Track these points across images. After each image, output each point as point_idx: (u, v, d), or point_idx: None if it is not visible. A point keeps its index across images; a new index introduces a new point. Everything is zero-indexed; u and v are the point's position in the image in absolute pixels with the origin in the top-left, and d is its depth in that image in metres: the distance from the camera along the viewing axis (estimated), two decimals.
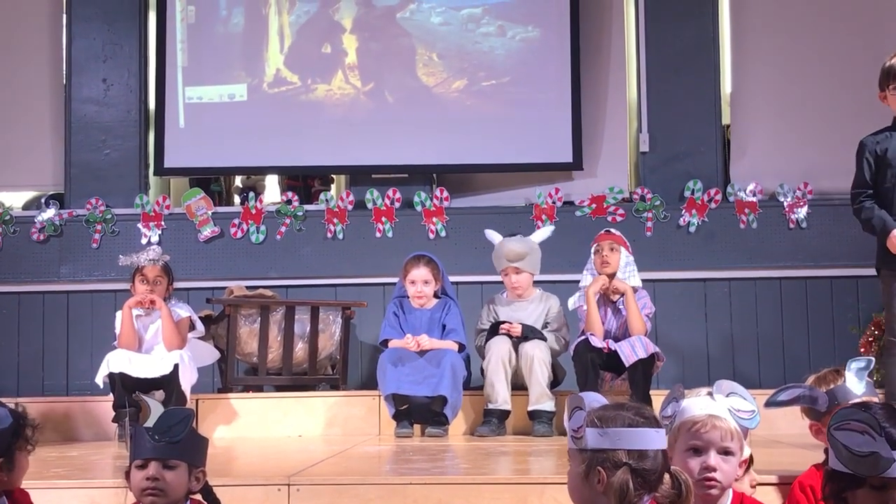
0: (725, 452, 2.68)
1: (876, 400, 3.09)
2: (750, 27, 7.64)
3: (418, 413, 5.84)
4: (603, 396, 2.48)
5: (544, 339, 5.92)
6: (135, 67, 7.74)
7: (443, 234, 7.37)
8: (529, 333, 5.89)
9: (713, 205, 7.34)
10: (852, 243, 6.94)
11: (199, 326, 6.12)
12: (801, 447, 4.58)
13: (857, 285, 7.13)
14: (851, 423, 2.23)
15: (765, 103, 7.56)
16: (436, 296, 6.13)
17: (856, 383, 3.07)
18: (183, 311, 5.96)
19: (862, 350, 6.25)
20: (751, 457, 2.96)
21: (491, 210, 7.19)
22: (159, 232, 7.43)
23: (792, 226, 7.31)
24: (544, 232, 6.21)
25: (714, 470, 2.66)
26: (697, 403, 2.74)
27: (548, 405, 5.78)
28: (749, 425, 2.73)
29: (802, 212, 7.30)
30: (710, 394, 2.77)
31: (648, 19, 7.61)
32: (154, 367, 5.68)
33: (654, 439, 2.38)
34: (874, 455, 2.20)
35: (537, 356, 5.80)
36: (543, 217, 7.32)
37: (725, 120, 7.67)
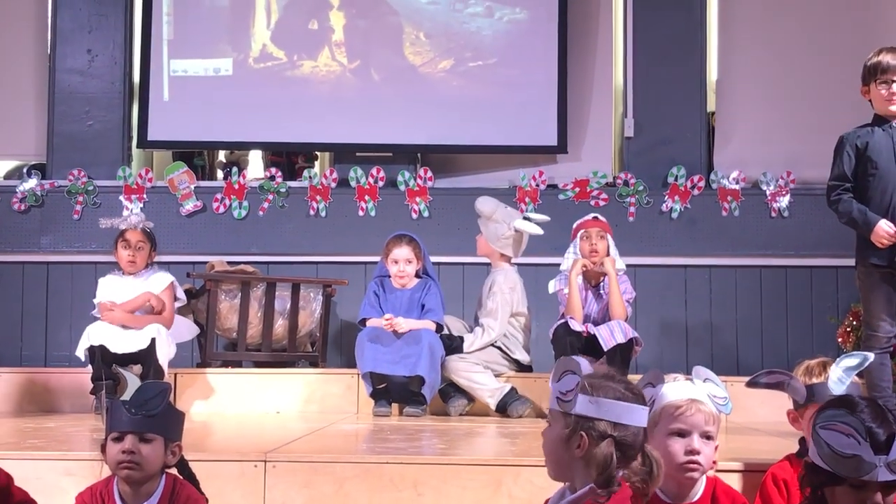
0: (707, 437, 2.71)
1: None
2: (737, 16, 7.64)
3: (396, 392, 5.85)
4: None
5: (458, 345, 5.97)
6: (120, 39, 7.69)
7: (426, 214, 7.37)
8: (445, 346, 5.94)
9: (696, 191, 7.36)
10: (833, 233, 6.95)
11: (181, 295, 6.11)
12: (777, 435, 4.61)
13: (836, 275, 7.16)
14: (838, 425, 2.23)
15: (750, 92, 7.57)
16: (417, 275, 6.12)
17: (837, 385, 3.08)
18: (166, 277, 5.95)
19: (840, 340, 6.28)
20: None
21: (474, 191, 7.16)
22: (141, 205, 7.40)
23: (774, 214, 7.33)
24: (532, 224, 6.18)
25: (698, 453, 2.68)
26: (679, 388, 2.76)
27: (505, 392, 5.82)
28: (725, 411, 2.76)
29: (785, 201, 7.32)
30: (690, 379, 2.79)
31: (636, 5, 7.61)
32: (131, 341, 5.67)
33: (640, 416, 2.41)
34: (857, 458, 2.20)
35: (455, 371, 5.87)
36: (527, 199, 7.32)
37: (710, 107, 7.68)
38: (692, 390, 2.75)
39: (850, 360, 3.14)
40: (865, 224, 4.60)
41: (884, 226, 4.54)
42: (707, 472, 2.82)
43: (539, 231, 6.08)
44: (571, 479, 2.42)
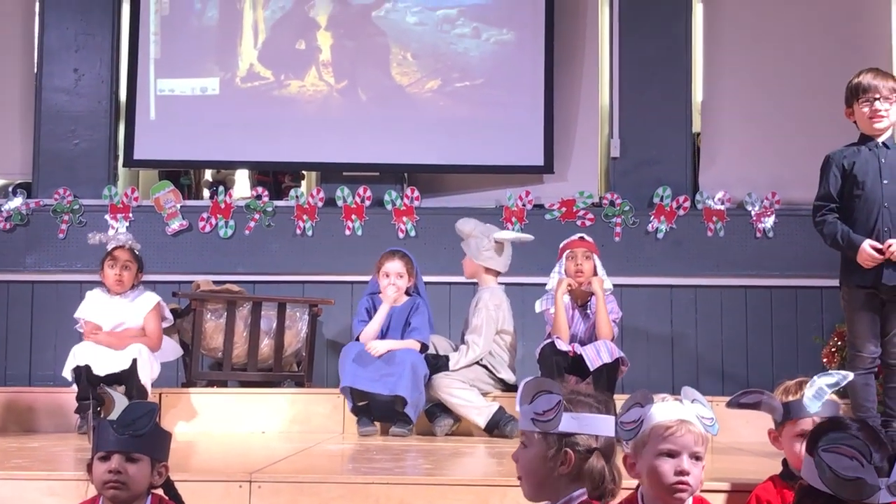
0: (696, 457, 2.70)
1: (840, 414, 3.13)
2: (722, 38, 7.69)
3: (379, 410, 5.84)
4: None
5: (444, 363, 5.96)
6: (107, 58, 7.69)
7: (412, 233, 7.37)
8: (429, 365, 5.93)
9: (681, 212, 7.38)
10: (818, 254, 6.95)
11: (168, 315, 6.12)
12: (761, 455, 4.61)
13: (821, 296, 7.19)
14: (841, 447, 2.22)
15: (735, 113, 7.61)
16: (408, 293, 6.13)
17: (812, 402, 3.08)
18: (153, 298, 5.96)
19: (825, 360, 6.30)
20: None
21: (461, 211, 7.17)
22: (127, 224, 7.38)
23: (759, 235, 7.36)
24: (511, 232, 6.24)
25: (688, 474, 2.68)
26: (668, 408, 2.75)
27: (494, 410, 5.80)
28: (712, 432, 2.76)
29: (769, 221, 7.35)
30: (679, 400, 2.79)
31: (622, 26, 7.65)
32: (114, 362, 5.66)
33: (611, 427, 2.49)
34: (860, 480, 2.20)
35: (442, 389, 5.86)
36: (513, 219, 7.33)
37: (696, 128, 7.71)
38: (681, 411, 2.74)
39: (828, 378, 3.15)
40: (850, 246, 4.61)
41: (868, 247, 4.56)
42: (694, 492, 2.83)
43: (516, 236, 6.12)
44: (554, 497, 2.43)
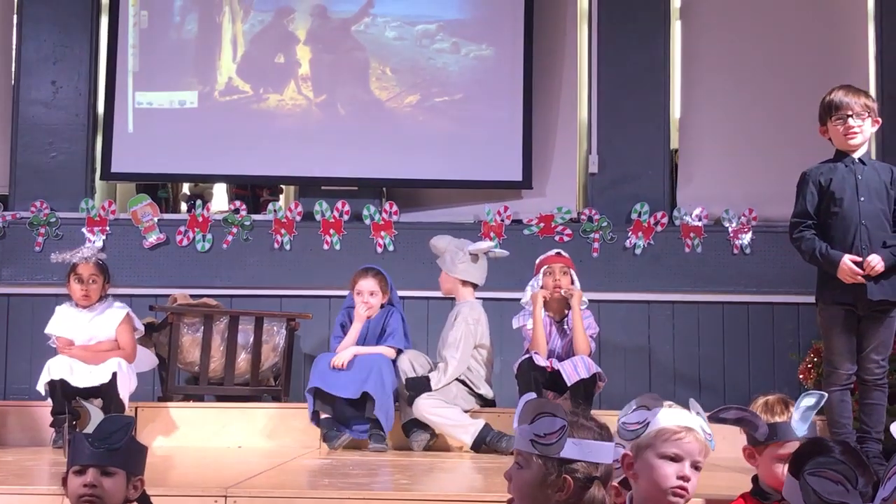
0: (696, 467, 2.71)
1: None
2: (700, 54, 7.73)
3: (342, 419, 5.82)
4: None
5: (426, 384, 5.94)
6: (85, 71, 7.67)
7: (391, 248, 7.37)
8: (410, 388, 5.92)
9: (659, 228, 7.41)
10: (795, 270, 7.00)
11: (139, 325, 6.08)
12: (736, 471, 4.62)
13: (797, 312, 7.22)
14: (828, 472, 2.24)
15: (712, 129, 7.65)
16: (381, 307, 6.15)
17: (800, 425, 3.10)
18: (121, 310, 5.92)
19: (801, 376, 6.33)
20: None
21: (440, 226, 7.18)
22: (104, 237, 7.36)
23: (736, 251, 7.39)
24: (485, 243, 6.25)
25: (688, 480, 2.68)
26: (676, 414, 2.76)
27: (480, 427, 5.79)
28: (711, 447, 2.76)
29: (747, 238, 7.38)
30: (689, 409, 2.80)
31: (601, 42, 7.69)
32: (92, 375, 5.63)
33: (611, 454, 2.42)
34: None
35: (426, 411, 5.85)
36: (492, 234, 7.34)
37: (673, 144, 7.74)
38: (689, 419, 2.75)
39: (809, 400, 3.16)
40: (829, 262, 4.62)
41: (848, 262, 4.58)
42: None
43: (491, 245, 6.13)
44: None
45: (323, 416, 5.86)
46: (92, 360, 5.69)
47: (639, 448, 2.71)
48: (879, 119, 4.78)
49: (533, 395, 2.57)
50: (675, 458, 2.68)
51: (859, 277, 4.57)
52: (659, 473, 2.67)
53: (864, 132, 4.69)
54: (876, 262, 4.56)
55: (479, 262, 6.19)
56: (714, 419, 3.08)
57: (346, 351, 5.90)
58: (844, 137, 4.68)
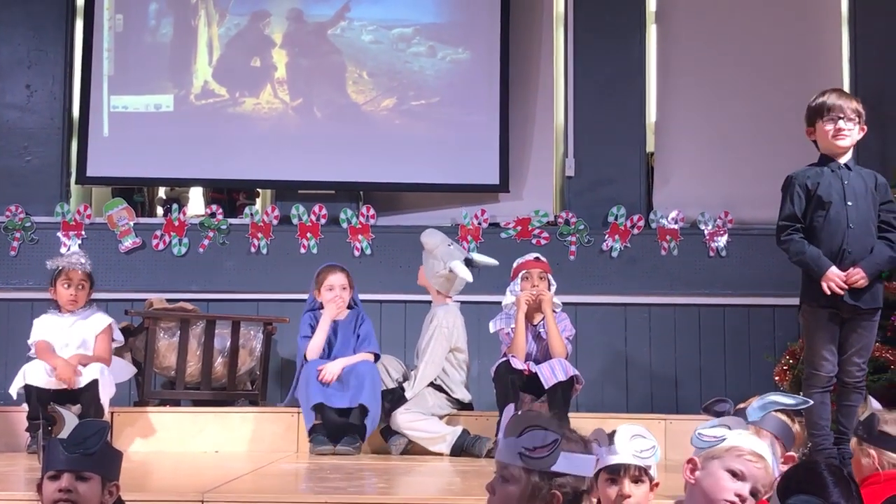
0: (754, 493, 2.75)
1: (766, 434, 3.18)
2: (676, 57, 7.76)
3: (331, 428, 5.80)
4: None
5: (400, 394, 5.95)
6: (60, 74, 7.63)
7: (368, 251, 7.36)
8: (386, 400, 5.92)
9: (636, 231, 7.43)
10: (770, 273, 7.05)
11: (118, 336, 6.07)
12: None
13: (773, 314, 7.25)
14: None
15: (688, 133, 7.68)
16: (348, 306, 6.13)
17: (754, 412, 3.12)
18: (105, 319, 5.91)
19: (777, 378, 6.35)
20: (657, 483, 3.02)
21: (417, 229, 7.13)
22: (79, 241, 7.32)
23: (712, 254, 7.42)
24: (466, 270, 6.16)
25: (744, 501, 2.72)
26: (752, 440, 2.83)
27: (458, 434, 5.79)
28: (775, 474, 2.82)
29: (722, 240, 7.41)
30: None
31: (577, 46, 7.71)
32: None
33: (593, 467, 2.43)
34: None
35: (404, 425, 5.85)
36: (469, 238, 7.35)
37: (650, 148, 7.77)
38: (763, 448, 2.81)
39: (782, 398, 3.18)
40: (818, 267, 4.61)
41: (834, 273, 4.56)
42: None
43: (469, 279, 6.06)
44: None
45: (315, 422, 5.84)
46: (71, 381, 5.61)
47: (708, 457, 2.76)
48: (865, 126, 4.75)
49: (516, 407, 2.57)
50: (739, 476, 2.73)
51: (841, 291, 4.57)
52: (719, 485, 2.71)
53: (852, 136, 4.69)
54: (859, 277, 4.57)
55: (456, 279, 6.14)
56: (709, 411, 3.12)
57: (334, 365, 5.85)
58: (833, 139, 4.67)
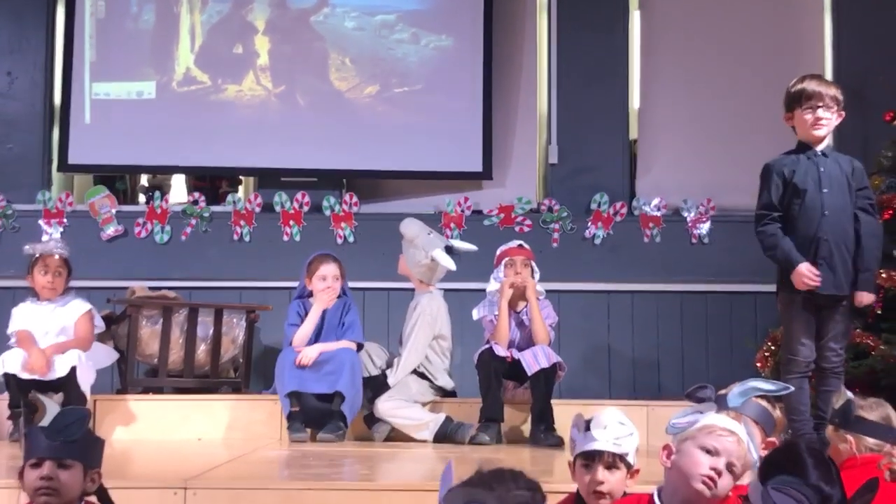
0: (731, 469, 2.78)
1: (746, 419, 3.21)
2: (659, 45, 7.77)
3: (311, 415, 5.79)
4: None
5: (383, 381, 5.95)
6: (41, 61, 7.60)
7: (351, 239, 7.36)
8: (369, 388, 5.93)
9: (618, 218, 7.45)
10: (752, 260, 7.00)
11: (99, 322, 6.04)
12: None
13: (755, 301, 7.27)
14: (790, 490, 2.28)
15: (671, 120, 7.69)
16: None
17: (735, 398, 3.15)
18: (84, 304, 5.88)
19: (758, 364, 6.37)
20: (637, 469, 3.04)
21: (400, 217, 7.09)
22: (61, 229, 7.30)
23: (694, 241, 7.44)
24: (448, 259, 6.15)
25: (720, 475, 2.75)
26: (727, 419, 2.87)
27: (440, 422, 5.80)
28: (753, 459, 2.86)
29: (705, 227, 7.44)
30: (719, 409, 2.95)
31: (561, 33, 7.71)
32: (51, 370, 5.58)
33: None
34: None
35: (387, 413, 5.85)
36: (452, 225, 7.35)
37: (632, 135, 7.78)
38: (736, 426, 2.85)
39: (762, 384, 3.21)
40: (788, 263, 4.63)
41: (805, 269, 4.57)
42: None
43: (452, 266, 6.05)
44: None
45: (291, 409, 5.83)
46: (36, 367, 5.58)
47: (681, 440, 2.80)
48: (843, 112, 4.75)
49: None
50: (713, 452, 2.76)
51: (812, 284, 4.59)
52: (693, 461, 2.75)
53: (830, 125, 4.70)
54: (867, 300, 4.69)
55: (438, 267, 6.14)
56: (691, 397, 3.14)
57: (311, 349, 5.84)
58: (811, 127, 4.68)
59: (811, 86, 4.69)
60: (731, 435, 2.78)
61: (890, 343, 5.66)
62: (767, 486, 2.32)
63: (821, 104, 4.65)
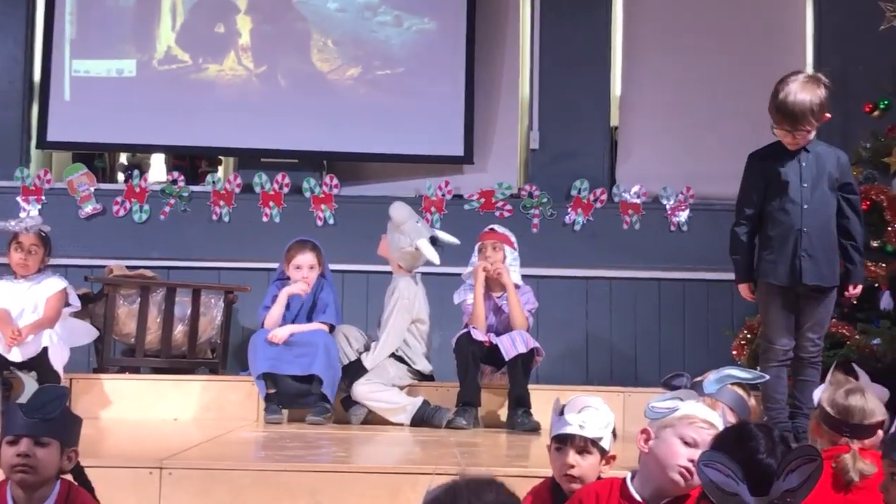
0: None
1: (721, 406, 3.24)
2: (641, 33, 7.78)
3: (288, 396, 5.79)
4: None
5: (360, 365, 5.94)
6: (20, 37, 7.55)
7: (331, 221, 7.35)
8: (346, 373, 5.92)
9: (598, 204, 7.46)
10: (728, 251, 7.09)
11: (75, 301, 5.98)
12: None
13: (732, 289, 7.20)
14: (718, 466, 2.31)
15: (652, 108, 7.71)
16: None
17: (710, 384, 3.17)
18: (59, 283, 5.83)
19: (734, 352, 6.40)
20: (613, 455, 3.06)
21: (380, 199, 7.14)
22: (39, 206, 7.26)
23: (673, 228, 7.47)
24: (432, 251, 6.12)
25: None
26: (703, 408, 2.87)
27: (418, 406, 5.80)
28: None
29: (684, 215, 7.46)
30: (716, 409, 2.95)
31: (543, 19, 7.71)
32: (23, 349, 5.54)
33: None
34: (737, 497, 2.29)
35: (364, 396, 5.85)
36: (432, 209, 7.35)
37: (614, 122, 7.79)
38: (714, 416, 2.85)
39: (738, 372, 3.22)
40: (736, 275, 4.86)
41: (744, 290, 4.86)
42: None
43: (436, 260, 6.04)
44: None
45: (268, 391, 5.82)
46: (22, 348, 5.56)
47: (661, 426, 2.80)
48: (828, 115, 4.63)
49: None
50: (691, 444, 2.76)
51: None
52: (672, 451, 2.75)
53: (807, 138, 4.64)
54: (856, 291, 4.82)
55: (420, 256, 6.11)
56: (668, 385, 3.16)
57: (282, 330, 5.84)
58: (788, 143, 4.68)
59: (795, 107, 4.54)
60: (710, 427, 2.79)
61: (865, 333, 5.71)
62: (699, 462, 2.35)
63: (798, 129, 4.62)
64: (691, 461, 2.74)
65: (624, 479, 2.84)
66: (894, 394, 3.51)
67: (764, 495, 2.29)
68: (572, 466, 2.93)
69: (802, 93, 4.57)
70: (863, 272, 4.83)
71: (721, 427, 2.82)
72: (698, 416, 2.80)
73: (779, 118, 4.62)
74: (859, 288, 4.81)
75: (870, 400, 3.28)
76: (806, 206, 4.64)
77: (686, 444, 2.76)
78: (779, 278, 4.67)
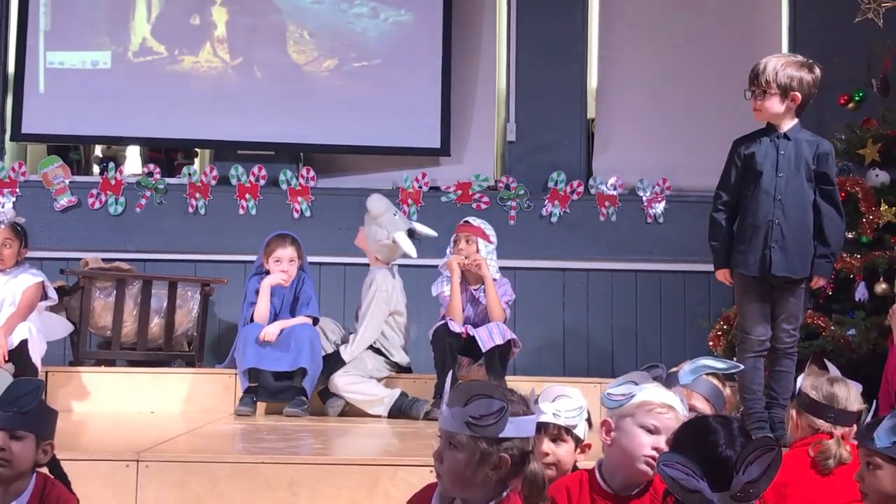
0: (668, 444, 2.78)
1: (697, 396, 3.28)
2: (617, 25, 7.79)
3: (270, 390, 5.78)
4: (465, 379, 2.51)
5: (338, 357, 5.94)
6: None
7: (307, 213, 7.34)
8: (326, 362, 5.93)
9: (575, 196, 7.48)
10: (706, 240, 7.08)
11: (52, 294, 5.95)
12: None
13: (708, 281, 7.30)
14: (677, 466, 2.32)
15: (628, 99, 7.72)
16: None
17: (685, 375, 3.18)
18: (35, 277, 5.80)
19: (711, 343, 6.43)
20: (589, 444, 3.07)
21: (357, 191, 7.15)
22: (14, 199, 7.21)
23: (649, 220, 7.49)
24: (409, 244, 6.11)
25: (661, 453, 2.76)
26: (660, 391, 2.86)
27: (395, 397, 5.80)
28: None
29: (660, 207, 7.49)
30: (670, 386, 2.94)
31: (520, 11, 7.71)
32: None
33: (533, 426, 2.43)
34: (700, 493, 2.30)
35: (342, 388, 5.85)
36: (409, 201, 7.34)
37: (590, 114, 7.80)
38: (671, 398, 2.85)
39: (713, 362, 3.24)
40: (714, 261, 4.83)
41: (721, 276, 4.83)
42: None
43: (413, 254, 6.03)
44: (476, 497, 2.38)
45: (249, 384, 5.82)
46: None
47: (620, 416, 2.81)
48: (798, 95, 4.60)
49: (453, 371, 2.59)
50: (653, 431, 2.78)
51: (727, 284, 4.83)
52: (635, 441, 2.77)
53: (765, 110, 4.66)
54: (819, 283, 4.78)
55: (397, 249, 6.10)
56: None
57: (273, 326, 5.83)
58: (754, 115, 4.70)
59: (754, 66, 4.62)
60: (669, 411, 2.80)
61: (840, 324, 5.75)
62: (658, 463, 2.37)
63: (753, 89, 4.63)
64: (656, 449, 2.75)
65: (591, 471, 2.85)
66: (869, 384, 3.53)
67: (727, 490, 2.30)
68: (547, 454, 2.96)
69: (776, 58, 4.66)
70: (829, 267, 4.74)
71: (680, 408, 2.83)
72: (656, 402, 2.81)
73: (749, 78, 4.65)
74: (822, 282, 4.77)
75: (851, 388, 3.33)
76: (779, 198, 4.63)
77: (649, 431, 2.78)
78: (750, 269, 4.68)
